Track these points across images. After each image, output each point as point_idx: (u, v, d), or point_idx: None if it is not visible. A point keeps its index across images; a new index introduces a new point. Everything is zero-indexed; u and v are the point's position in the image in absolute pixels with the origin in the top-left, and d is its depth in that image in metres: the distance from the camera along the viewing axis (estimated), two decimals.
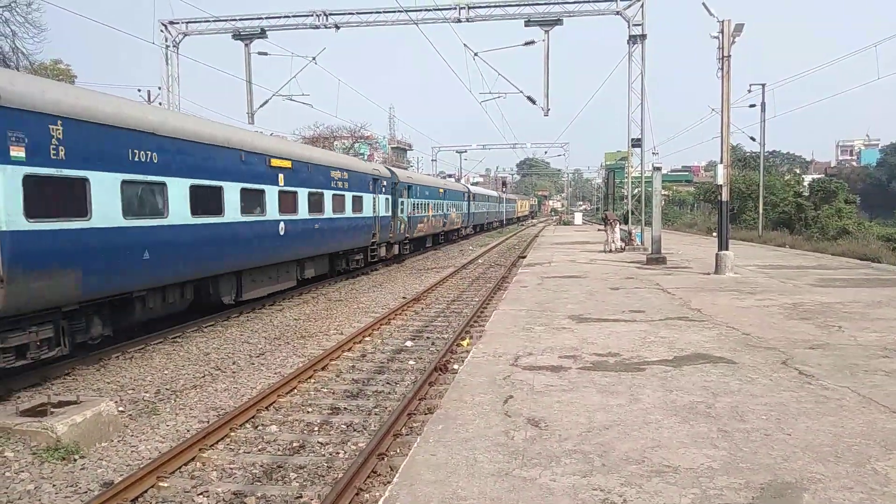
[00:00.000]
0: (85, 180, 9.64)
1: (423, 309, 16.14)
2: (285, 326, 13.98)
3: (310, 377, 9.83)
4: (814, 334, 9.49)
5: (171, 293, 12.49)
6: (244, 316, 14.97)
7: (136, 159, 10.83)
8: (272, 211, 15.77)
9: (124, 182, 10.48)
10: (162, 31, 27.79)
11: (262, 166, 15.43)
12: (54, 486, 6.14)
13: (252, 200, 14.86)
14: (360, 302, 17.27)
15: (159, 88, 27.67)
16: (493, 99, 31.28)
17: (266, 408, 8.40)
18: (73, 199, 9.52)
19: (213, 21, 28.21)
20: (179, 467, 6.56)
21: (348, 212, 21.44)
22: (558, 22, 25.84)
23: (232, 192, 13.89)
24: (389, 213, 26.54)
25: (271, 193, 15.75)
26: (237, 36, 28.20)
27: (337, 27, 27.17)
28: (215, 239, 13.30)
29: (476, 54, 26.67)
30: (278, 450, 7.15)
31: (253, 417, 8.03)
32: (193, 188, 12.43)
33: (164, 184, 11.55)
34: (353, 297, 18.29)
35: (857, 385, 6.86)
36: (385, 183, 26.03)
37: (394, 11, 26.01)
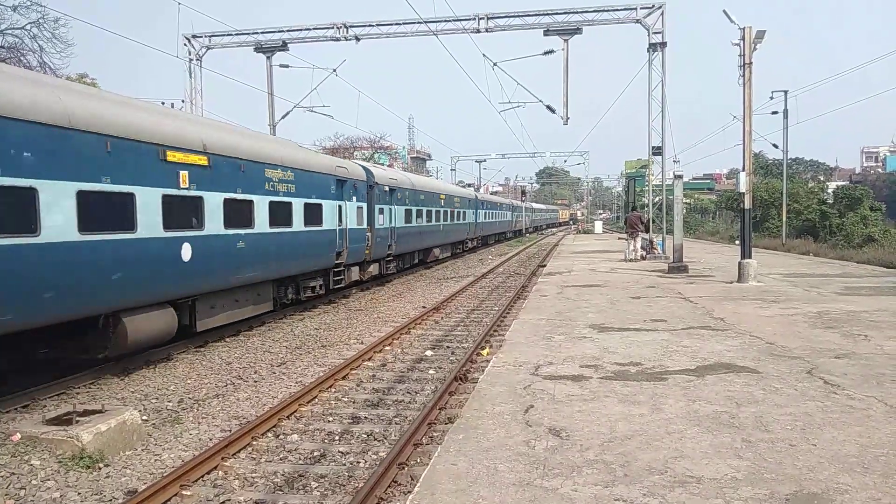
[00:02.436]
0: None
1: (442, 318, 16.15)
2: (306, 336, 14.06)
3: (330, 386, 9.87)
4: (839, 343, 9.35)
5: None
6: (266, 325, 15.09)
7: None
8: None
9: None
10: (185, 45, 28.20)
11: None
12: (79, 493, 6.21)
13: None
14: (379, 311, 17.33)
15: (182, 101, 28.06)
16: (513, 108, 31.23)
17: (287, 417, 8.44)
18: None
19: (236, 34, 28.62)
20: (202, 476, 6.60)
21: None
22: (578, 31, 25.81)
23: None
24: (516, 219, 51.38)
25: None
26: (259, 49, 28.56)
27: (357, 39, 27.41)
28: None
29: (495, 64, 26.73)
30: (299, 459, 7.18)
31: (274, 426, 8.08)
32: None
33: None
34: (373, 306, 18.35)
35: (884, 395, 6.74)
36: (522, 207, 53.36)
37: (413, 23, 26.20)
